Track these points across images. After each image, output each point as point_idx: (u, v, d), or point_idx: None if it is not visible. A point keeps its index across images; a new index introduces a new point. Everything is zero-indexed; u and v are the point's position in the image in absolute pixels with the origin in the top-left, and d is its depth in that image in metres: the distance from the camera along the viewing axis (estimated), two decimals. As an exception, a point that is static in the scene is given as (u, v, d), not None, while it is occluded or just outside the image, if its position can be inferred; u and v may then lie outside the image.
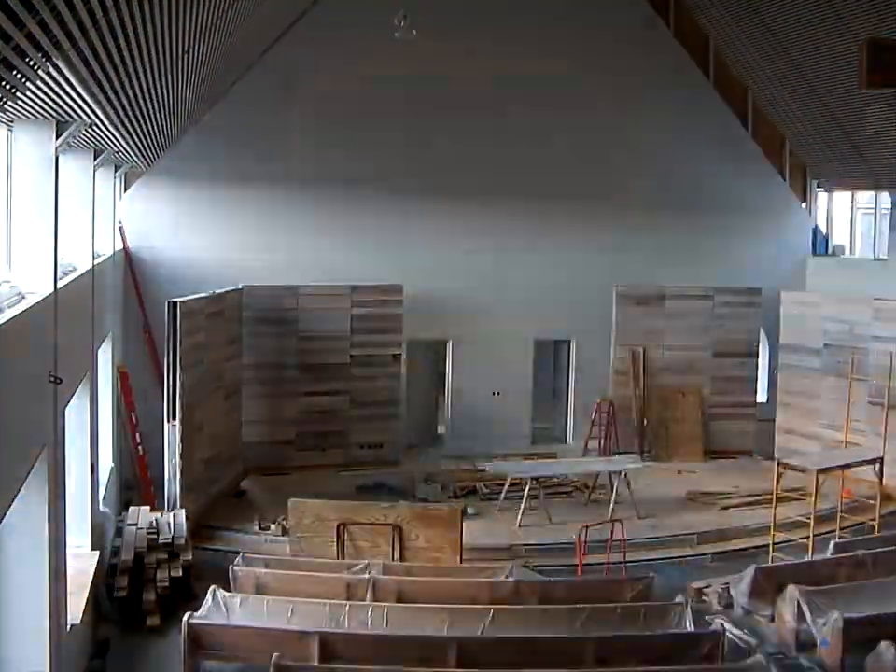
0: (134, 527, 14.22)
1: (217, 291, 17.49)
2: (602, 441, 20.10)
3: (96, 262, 13.53)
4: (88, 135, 11.50)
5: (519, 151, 20.54)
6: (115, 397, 16.78)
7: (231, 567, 12.74)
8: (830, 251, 22.66)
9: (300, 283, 19.14)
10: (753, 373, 21.20)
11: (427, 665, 10.25)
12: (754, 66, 20.82)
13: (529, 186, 20.65)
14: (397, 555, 13.68)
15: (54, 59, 6.56)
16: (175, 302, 15.67)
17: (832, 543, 14.26)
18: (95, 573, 12.66)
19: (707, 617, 12.67)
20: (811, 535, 14.85)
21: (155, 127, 13.80)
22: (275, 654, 9.85)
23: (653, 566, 14.66)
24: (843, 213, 22.61)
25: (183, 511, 14.96)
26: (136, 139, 13.62)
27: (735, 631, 12.24)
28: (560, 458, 19.70)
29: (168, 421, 15.56)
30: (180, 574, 13.33)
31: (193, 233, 19.34)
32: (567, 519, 16.23)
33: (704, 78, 21.69)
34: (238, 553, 14.51)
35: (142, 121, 12.38)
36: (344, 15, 19.34)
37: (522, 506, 16.18)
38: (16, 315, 7.86)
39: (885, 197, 21.09)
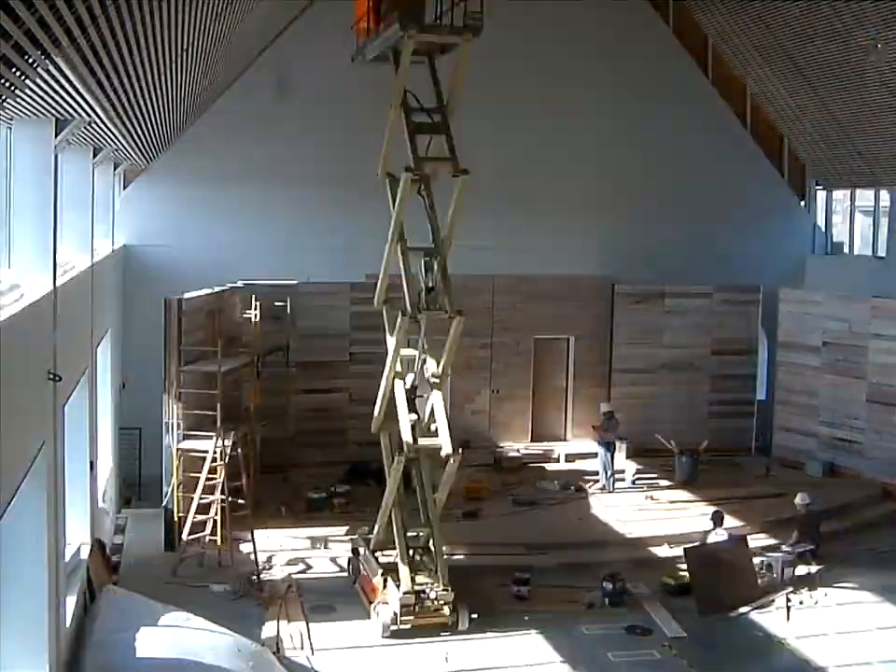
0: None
1: (217, 289, 17.48)
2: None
3: (95, 260, 13.54)
4: (87, 133, 11.52)
5: (518, 150, 20.54)
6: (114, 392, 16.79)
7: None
8: (829, 249, 22.67)
9: (299, 280, 19.14)
10: (752, 371, 21.20)
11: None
12: (753, 65, 20.82)
13: (529, 184, 20.66)
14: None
15: (53, 57, 6.57)
16: (174, 300, 15.65)
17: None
18: (95, 570, 12.68)
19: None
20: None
21: (154, 125, 13.81)
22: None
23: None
24: (842, 211, 22.62)
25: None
26: (135, 137, 13.63)
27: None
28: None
29: (167, 419, 15.53)
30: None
31: (192, 231, 19.35)
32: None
33: (703, 77, 21.71)
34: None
35: (141, 119, 12.39)
36: (342, 14, 19.29)
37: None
38: (15, 313, 7.86)
39: (884, 195, 21.10)
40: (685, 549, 14.16)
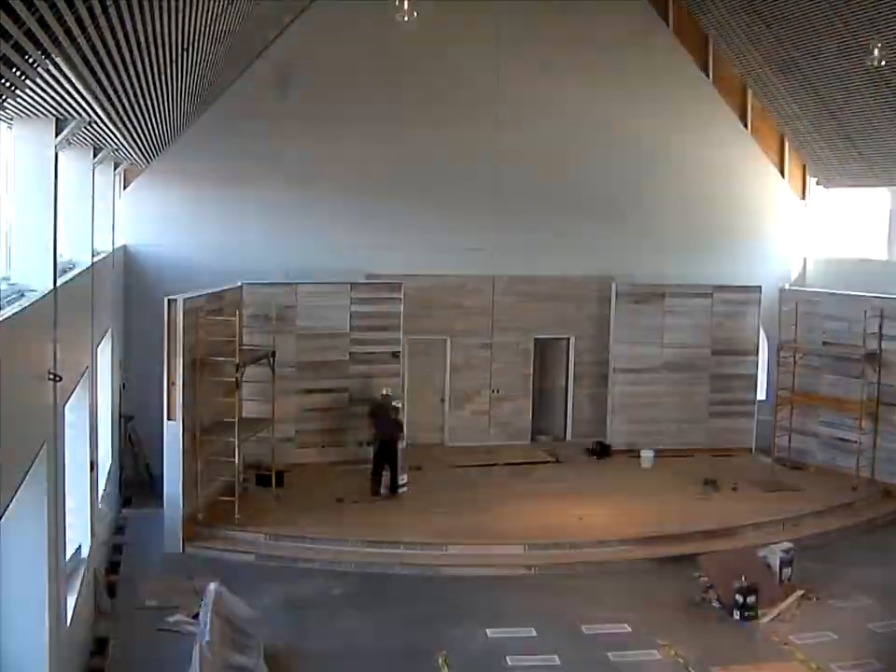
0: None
1: (217, 289, 17.47)
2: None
3: (95, 259, 13.54)
4: (87, 133, 11.52)
5: (518, 149, 20.54)
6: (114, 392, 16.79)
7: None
8: (829, 249, 22.64)
9: (299, 280, 19.15)
10: (753, 371, 21.20)
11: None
12: (753, 64, 20.81)
13: (529, 184, 20.67)
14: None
15: (53, 56, 6.56)
16: (174, 299, 15.66)
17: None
18: (94, 571, 12.69)
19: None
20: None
21: (154, 125, 13.80)
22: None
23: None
24: (842, 211, 22.60)
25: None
26: (135, 137, 13.62)
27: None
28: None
29: (168, 418, 15.55)
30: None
31: (192, 231, 19.35)
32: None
33: (703, 76, 21.70)
34: (236, 551, 14.65)
35: (141, 119, 12.38)
36: (342, 13, 19.33)
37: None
38: (16, 313, 7.86)
39: (883, 195, 21.09)
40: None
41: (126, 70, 8.87)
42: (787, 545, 14.58)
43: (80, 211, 12.97)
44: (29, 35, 5.65)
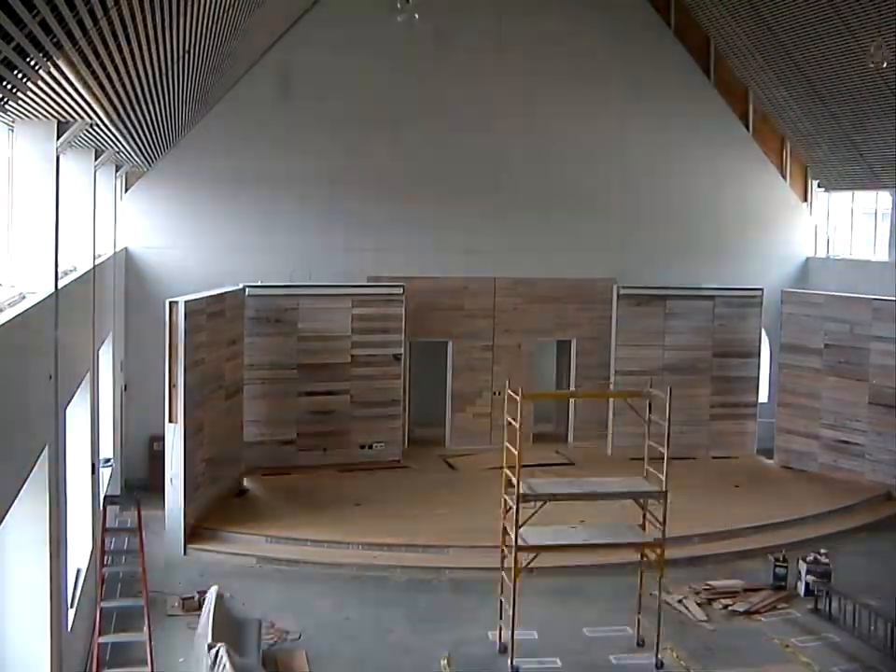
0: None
1: (219, 291, 17.49)
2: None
3: (97, 262, 13.54)
4: (89, 135, 11.52)
5: (519, 151, 20.57)
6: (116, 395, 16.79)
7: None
8: (830, 251, 22.64)
9: (300, 283, 19.16)
10: (754, 373, 21.19)
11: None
12: (755, 66, 20.81)
13: (530, 186, 20.68)
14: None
15: (55, 59, 6.56)
16: (176, 302, 15.67)
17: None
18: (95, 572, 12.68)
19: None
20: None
21: (155, 127, 13.80)
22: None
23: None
24: (843, 213, 22.59)
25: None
26: (137, 139, 13.63)
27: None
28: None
29: (169, 421, 15.56)
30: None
31: (194, 233, 19.37)
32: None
33: (704, 78, 21.71)
34: (237, 553, 14.64)
35: (143, 121, 12.38)
36: (344, 16, 19.36)
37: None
38: (17, 315, 7.86)
39: (885, 197, 21.08)
40: None
41: (128, 72, 8.87)
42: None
43: (82, 213, 12.98)
44: (31, 37, 5.65)
